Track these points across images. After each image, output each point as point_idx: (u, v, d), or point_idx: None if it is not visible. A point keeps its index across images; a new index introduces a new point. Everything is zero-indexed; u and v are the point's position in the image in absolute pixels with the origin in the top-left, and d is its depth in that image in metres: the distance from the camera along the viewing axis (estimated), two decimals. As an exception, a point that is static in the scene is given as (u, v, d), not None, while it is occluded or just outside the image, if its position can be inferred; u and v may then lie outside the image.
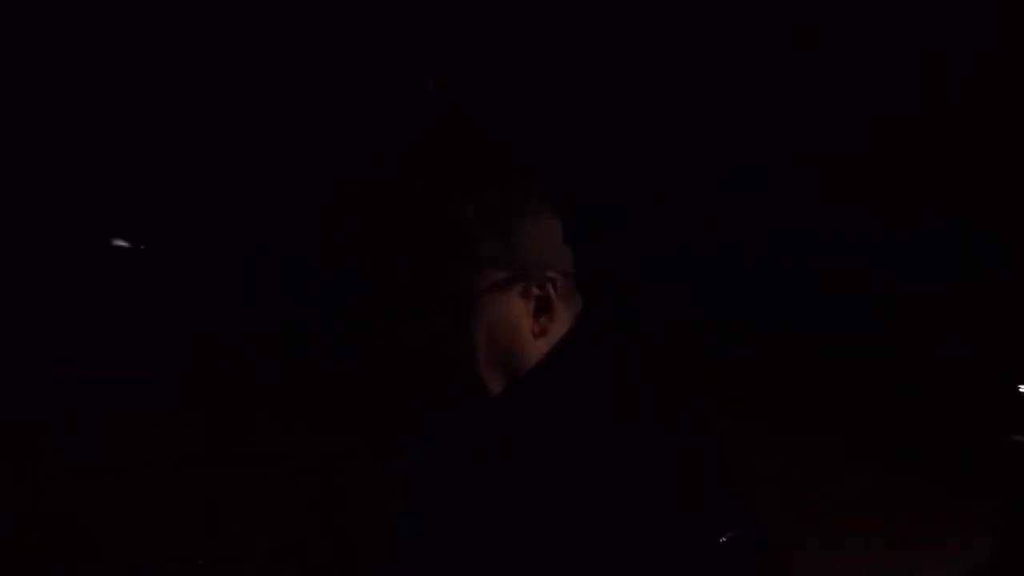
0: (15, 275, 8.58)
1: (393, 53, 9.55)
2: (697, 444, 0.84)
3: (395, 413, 0.91)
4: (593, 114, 11.95)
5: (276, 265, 10.77)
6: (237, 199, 10.61)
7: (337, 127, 9.60)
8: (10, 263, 8.79)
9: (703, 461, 0.83)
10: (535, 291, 0.88)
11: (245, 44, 10.26)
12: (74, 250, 10.59)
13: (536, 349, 0.89)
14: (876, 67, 13.73)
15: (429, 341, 0.86)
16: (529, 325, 0.88)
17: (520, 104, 9.75)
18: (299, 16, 10.09)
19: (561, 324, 0.90)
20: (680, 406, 0.87)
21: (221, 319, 7.91)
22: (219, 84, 10.44)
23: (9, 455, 4.41)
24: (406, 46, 9.58)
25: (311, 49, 10.00)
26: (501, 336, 0.87)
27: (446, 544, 0.86)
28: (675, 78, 12.43)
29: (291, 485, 4.70)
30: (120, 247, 12.41)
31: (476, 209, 0.86)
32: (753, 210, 15.11)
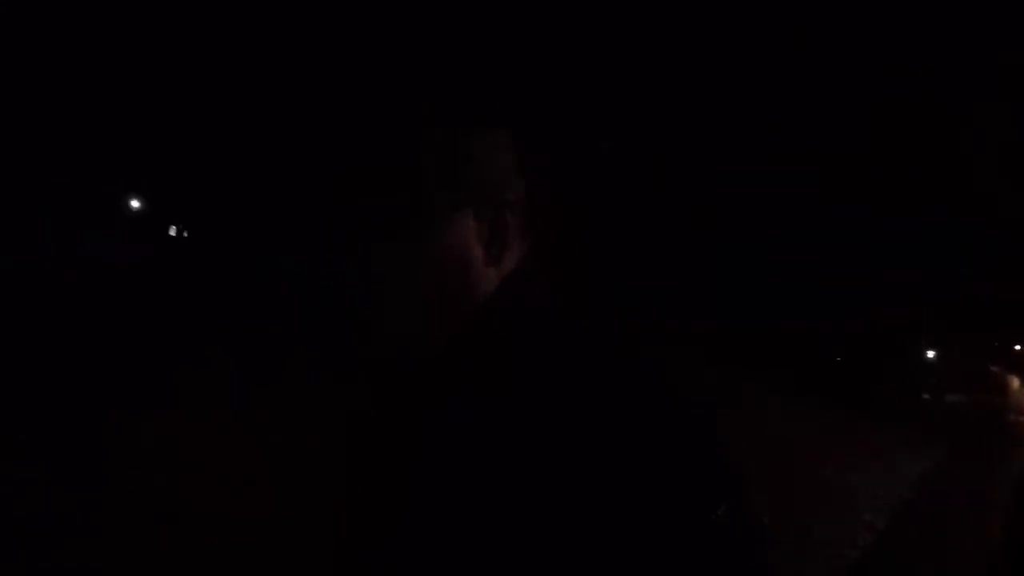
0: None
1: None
2: (680, 399, 0.74)
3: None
4: (596, 114, 12.06)
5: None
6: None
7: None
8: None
9: (690, 420, 0.73)
10: (490, 213, 0.80)
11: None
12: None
13: (486, 280, 0.81)
14: (876, 67, 14.02)
15: (380, 276, 0.78)
16: (480, 253, 0.80)
17: (524, 104, 9.65)
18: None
19: (512, 257, 0.82)
20: (647, 353, 0.77)
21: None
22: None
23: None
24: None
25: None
26: (450, 263, 0.79)
27: (425, 507, 0.76)
28: (677, 79, 12.72)
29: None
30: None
31: (428, 119, 0.80)
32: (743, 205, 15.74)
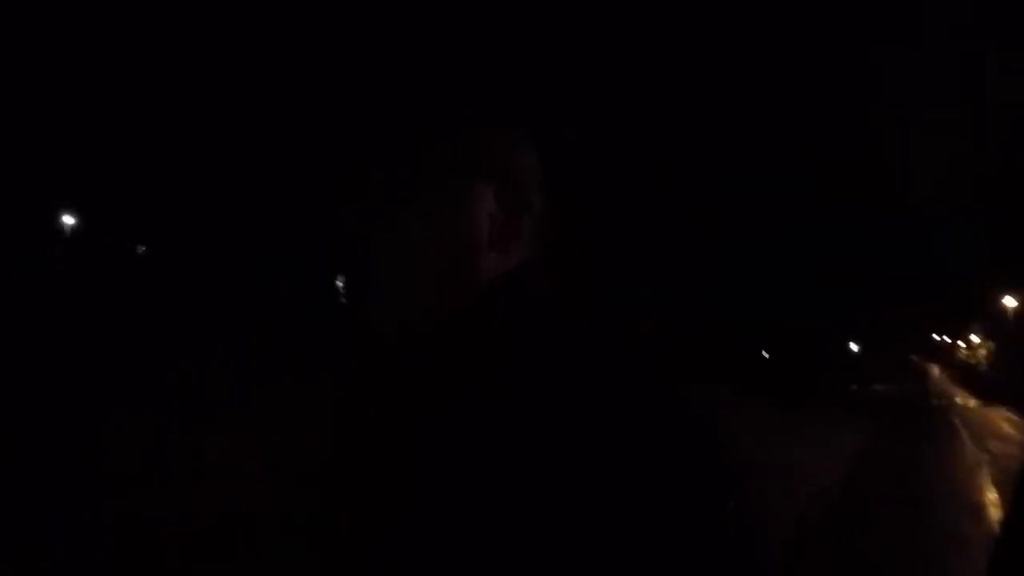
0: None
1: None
2: (680, 398, 0.74)
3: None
4: (596, 113, 12.04)
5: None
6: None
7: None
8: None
9: (691, 418, 0.73)
10: (510, 198, 0.81)
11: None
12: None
13: (487, 264, 0.80)
14: (875, 68, 14.16)
15: (399, 245, 0.79)
16: (487, 234, 0.80)
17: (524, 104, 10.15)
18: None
19: (518, 251, 0.82)
20: (648, 353, 0.76)
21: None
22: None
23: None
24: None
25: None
26: (459, 235, 0.79)
27: (425, 507, 0.74)
28: (676, 79, 12.89)
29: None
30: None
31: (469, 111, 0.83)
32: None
